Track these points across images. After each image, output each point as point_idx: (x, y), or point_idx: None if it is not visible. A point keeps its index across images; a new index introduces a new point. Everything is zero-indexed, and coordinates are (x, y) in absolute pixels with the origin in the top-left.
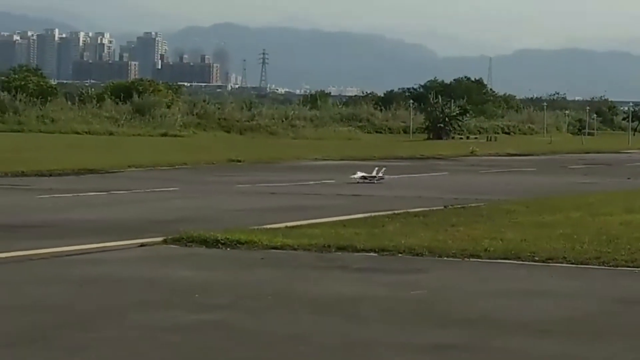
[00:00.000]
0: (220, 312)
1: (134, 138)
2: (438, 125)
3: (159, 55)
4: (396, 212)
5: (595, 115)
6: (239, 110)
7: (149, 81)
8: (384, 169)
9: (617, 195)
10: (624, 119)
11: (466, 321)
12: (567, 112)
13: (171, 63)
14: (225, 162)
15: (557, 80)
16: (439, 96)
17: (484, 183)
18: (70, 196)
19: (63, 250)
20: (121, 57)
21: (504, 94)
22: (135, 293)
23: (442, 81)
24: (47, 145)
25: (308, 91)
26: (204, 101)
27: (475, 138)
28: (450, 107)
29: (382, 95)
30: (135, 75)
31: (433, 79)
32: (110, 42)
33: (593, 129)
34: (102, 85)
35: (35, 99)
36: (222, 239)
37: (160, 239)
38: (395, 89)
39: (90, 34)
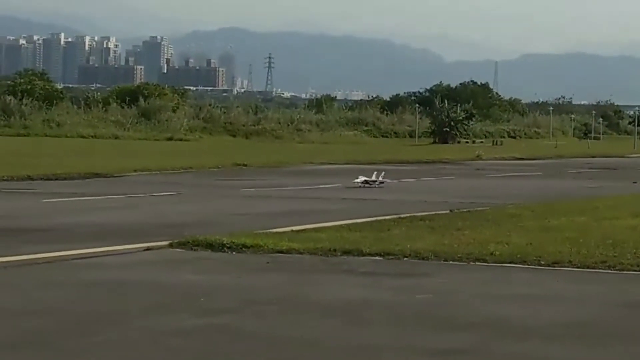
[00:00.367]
0: (225, 316)
1: (139, 142)
2: (444, 129)
3: (165, 60)
4: (402, 216)
5: (601, 119)
6: (245, 114)
7: (154, 85)
8: (383, 173)
9: (622, 200)
10: (629, 123)
11: (472, 325)
12: (572, 116)
13: (177, 67)
14: (230, 166)
15: (562, 84)
16: (445, 100)
17: (490, 187)
18: (76, 200)
19: (69, 254)
20: (127, 61)
21: (510, 98)
22: (140, 297)
23: (448, 85)
24: (52, 150)
25: (314, 95)
26: (210, 105)
27: (481, 142)
28: (456, 111)
29: (388, 99)
30: (141, 79)
31: (439, 83)
32: (116, 46)
33: (599, 133)
34: (107, 89)
35: (41, 103)
36: (227, 243)
37: (165, 242)
38: (401, 93)
39: (96, 38)
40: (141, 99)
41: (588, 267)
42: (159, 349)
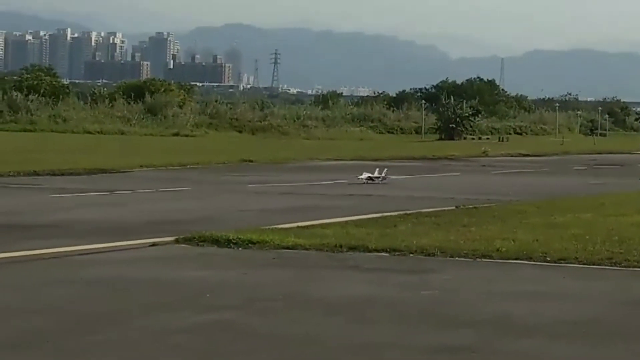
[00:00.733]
0: (231, 312)
1: (145, 138)
2: (450, 125)
3: (171, 55)
4: (408, 212)
5: (607, 116)
6: (251, 110)
7: (161, 81)
8: (385, 169)
9: (629, 196)
10: (636, 119)
11: (477, 322)
12: (579, 112)
13: (183, 63)
14: (237, 162)
15: (569, 81)
16: (451, 97)
17: (496, 183)
18: (82, 196)
19: (74, 249)
20: (133, 57)
21: (516, 95)
22: (146, 293)
23: (454, 82)
24: (58, 145)
25: (320, 91)
26: (216, 101)
27: (487, 138)
28: (462, 107)
29: (394, 95)
30: (147, 75)
31: (445, 79)
32: (122, 42)
33: (605, 130)
34: (114, 85)
35: (47, 99)
36: (233, 239)
37: (171, 238)
38: (407, 90)
39: (103, 34)
40: (147, 95)
41: (594, 264)
42: (163, 346)
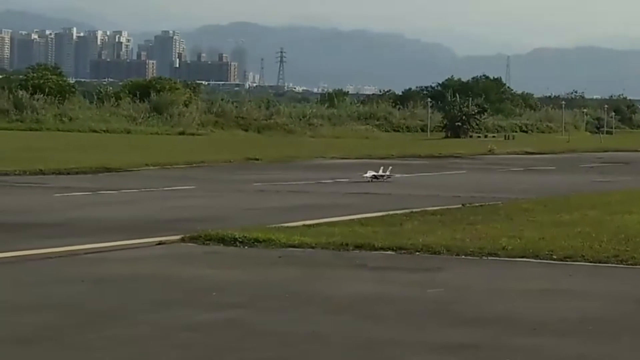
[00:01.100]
0: (237, 311)
1: (151, 136)
2: (456, 123)
3: (177, 54)
4: (414, 210)
5: (613, 113)
6: (257, 108)
7: (166, 80)
8: (390, 167)
9: (635, 194)
10: None
11: (483, 320)
12: (585, 110)
13: (189, 62)
14: (242, 161)
15: (575, 78)
16: (457, 95)
17: (502, 181)
18: (88, 195)
19: (80, 248)
20: (139, 55)
21: (522, 93)
22: (152, 291)
23: (460, 79)
24: (64, 144)
25: (325, 90)
26: (222, 100)
27: (493, 136)
28: (468, 105)
29: (400, 93)
30: (153, 73)
31: (451, 77)
32: (128, 40)
33: (611, 128)
34: (119, 83)
35: (53, 98)
36: (239, 238)
37: (178, 237)
38: (413, 88)
39: (108, 33)
40: (153, 94)
41: (600, 262)
42: (170, 343)
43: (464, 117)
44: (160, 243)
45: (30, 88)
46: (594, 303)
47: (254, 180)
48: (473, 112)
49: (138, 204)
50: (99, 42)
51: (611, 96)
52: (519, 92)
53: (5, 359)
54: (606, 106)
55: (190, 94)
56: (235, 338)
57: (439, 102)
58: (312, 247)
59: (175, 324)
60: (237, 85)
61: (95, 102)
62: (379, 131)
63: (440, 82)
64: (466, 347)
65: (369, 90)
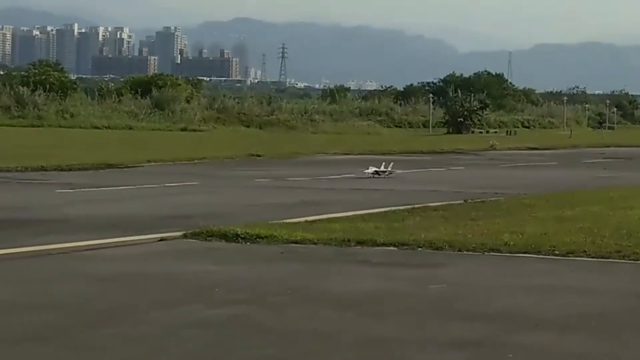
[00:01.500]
0: (239, 307)
1: (153, 133)
2: (458, 119)
3: (178, 50)
4: (416, 206)
5: (615, 109)
6: (259, 104)
7: (168, 76)
8: (392, 163)
9: (637, 190)
10: None
11: (486, 316)
12: (587, 106)
13: (190, 58)
14: (244, 157)
15: (576, 74)
16: (459, 90)
17: (504, 177)
18: (89, 191)
19: (82, 245)
20: (140, 51)
21: (524, 88)
22: (154, 288)
23: (462, 75)
24: (66, 140)
25: (327, 86)
26: (224, 96)
27: (495, 132)
28: (470, 101)
29: (402, 89)
30: (154, 70)
31: (452, 73)
32: (129, 37)
33: (613, 123)
34: (121, 80)
35: (54, 94)
36: (241, 234)
37: (179, 233)
38: (415, 84)
39: (110, 29)
40: (155, 90)
41: (603, 257)
42: (172, 340)
43: (465, 113)
44: (162, 239)
45: (32, 84)
46: (596, 299)
47: (255, 176)
48: (475, 108)
49: (140, 200)
50: (100, 38)
51: (613, 92)
52: (521, 87)
53: (9, 358)
54: (608, 102)
55: (192, 90)
56: (239, 334)
57: (441, 98)
58: (314, 243)
59: (178, 320)
60: (239, 81)
61: (96, 99)
62: (380, 127)
63: (442, 78)
64: (469, 343)
65: (371, 86)
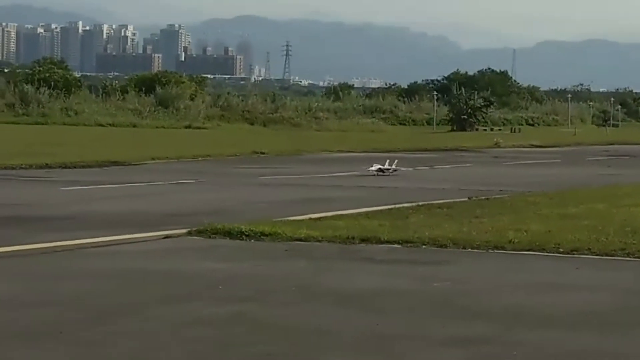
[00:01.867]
0: (244, 304)
1: (157, 130)
2: (462, 117)
3: (183, 48)
4: (420, 203)
5: (619, 106)
6: (263, 102)
7: (172, 73)
8: (396, 160)
9: None
10: None
11: (490, 314)
12: (591, 103)
13: (194, 55)
14: (249, 154)
15: (581, 71)
16: (463, 88)
17: (508, 175)
18: (94, 188)
19: (87, 242)
20: (145, 49)
21: (528, 86)
22: (158, 285)
23: (466, 73)
24: (71, 138)
25: (331, 83)
26: (228, 93)
27: (499, 130)
28: (474, 98)
29: (406, 87)
30: (158, 67)
31: (456, 70)
32: (133, 34)
33: (617, 121)
34: (125, 77)
35: (59, 92)
36: (246, 231)
37: (184, 230)
38: (419, 81)
39: (114, 27)
40: (159, 87)
41: (607, 255)
42: (176, 337)
43: (470, 111)
44: (166, 237)
45: (36, 82)
46: (601, 296)
47: (260, 174)
48: (479, 106)
49: (144, 197)
50: (104, 36)
51: (617, 89)
52: (525, 85)
53: (14, 353)
54: (612, 99)
55: (196, 88)
56: (243, 331)
57: (445, 95)
58: (319, 241)
59: (183, 317)
60: (243, 78)
61: (101, 96)
62: (384, 125)
63: (446, 76)
64: (474, 340)
65: (375, 83)
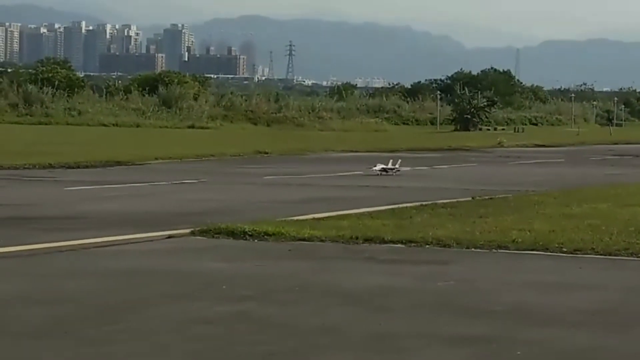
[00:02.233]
0: (247, 304)
1: (160, 130)
2: (465, 116)
3: (186, 47)
4: (423, 203)
5: (623, 106)
6: (266, 102)
7: (175, 73)
8: (399, 160)
9: None
10: None
11: (494, 313)
12: (594, 103)
13: (198, 55)
14: (252, 154)
15: (584, 71)
16: (466, 88)
17: (512, 174)
18: (98, 188)
19: (91, 242)
20: (148, 49)
21: (532, 85)
22: (162, 285)
23: (469, 72)
24: (74, 138)
25: (335, 83)
26: (231, 93)
27: (503, 129)
28: (477, 98)
29: (409, 86)
30: (162, 67)
31: (460, 70)
32: (137, 34)
33: (621, 120)
34: (129, 77)
35: (62, 92)
36: (249, 231)
37: (187, 230)
38: (422, 81)
39: (117, 27)
40: (162, 87)
41: (611, 254)
42: (180, 337)
43: (473, 110)
44: (170, 237)
45: (40, 82)
46: (604, 296)
47: (263, 174)
48: (482, 105)
49: (148, 197)
50: (108, 36)
51: (621, 88)
52: (529, 84)
53: (20, 352)
54: (616, 98)
55: (199, 88)
56: (247, 331)
57: (448, 95)
58: (322, 241)
59: (186, 316)
60: (246, 78)
61: (104, 96)
62: (388, 124)
63: (450, 75)
64: (478, 339)
65: (378, 83)
